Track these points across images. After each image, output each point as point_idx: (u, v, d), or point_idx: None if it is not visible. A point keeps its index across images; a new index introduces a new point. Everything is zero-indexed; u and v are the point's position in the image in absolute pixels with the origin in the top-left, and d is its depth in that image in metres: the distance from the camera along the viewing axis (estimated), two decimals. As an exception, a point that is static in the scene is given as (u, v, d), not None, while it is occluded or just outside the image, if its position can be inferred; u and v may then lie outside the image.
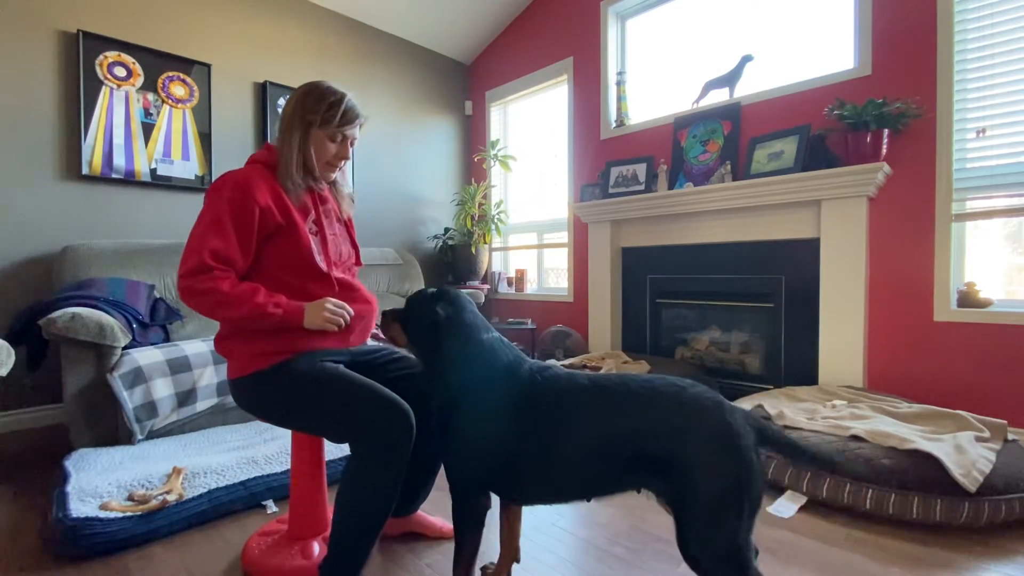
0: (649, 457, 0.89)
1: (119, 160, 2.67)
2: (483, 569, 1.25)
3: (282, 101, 3.28)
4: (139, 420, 1.87)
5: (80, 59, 2.55)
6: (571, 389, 0.97)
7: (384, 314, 1.20)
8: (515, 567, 1.28)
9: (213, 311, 1.11)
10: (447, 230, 4.12)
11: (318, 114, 1.21)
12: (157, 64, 2.79)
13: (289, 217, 1.19)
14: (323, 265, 1.23)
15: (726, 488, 0.84)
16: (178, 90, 2.87)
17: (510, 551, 1.22)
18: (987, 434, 1.69)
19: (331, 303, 1.19)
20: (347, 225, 1.41)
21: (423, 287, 1.23)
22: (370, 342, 1.41)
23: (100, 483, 1.53)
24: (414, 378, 1.35)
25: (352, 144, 1.29)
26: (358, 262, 1.42)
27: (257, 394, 1.18)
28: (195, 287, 1.08)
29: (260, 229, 1.16)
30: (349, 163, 1.36)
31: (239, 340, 1.18)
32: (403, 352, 1.41)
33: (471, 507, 1.05)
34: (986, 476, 1.44)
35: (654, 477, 0.90)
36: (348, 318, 1.21)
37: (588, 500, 1.01)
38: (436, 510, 1.59)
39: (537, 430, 0.96)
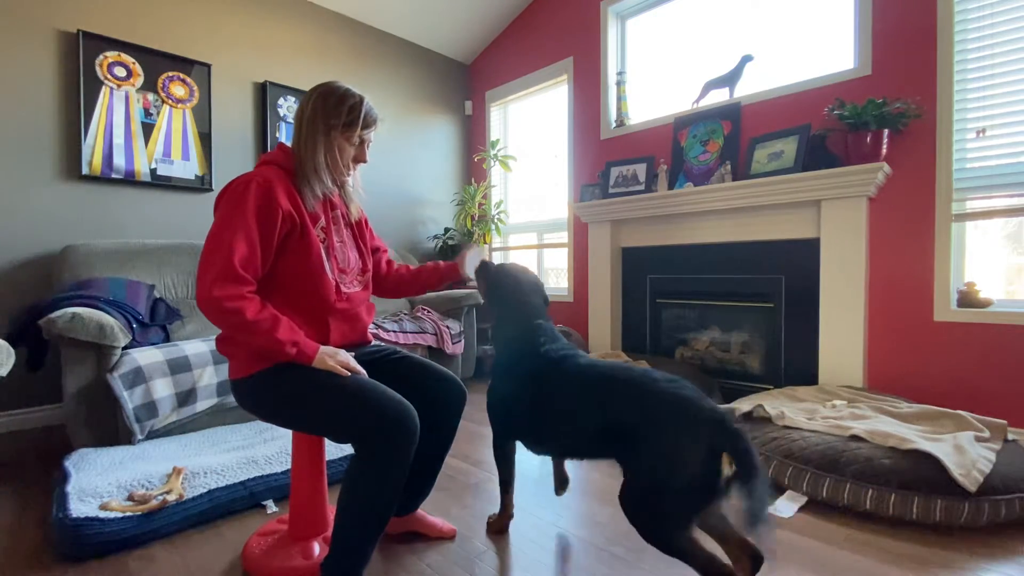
0: (617, 428, 1.10)
1: (119, 160, 2.67)
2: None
3: (282, 101, 3.28)
4: (139, 420, 1.87)
5: (80, 59, 2.54)
6: (577, 371, 1.24)
7: (483, 263, 1.50)
8: (514, 567, 1.29)
9: (233, 330, 1.09)
10: (447, 230, 4.12)
11: (340, 118, 1.20)
12: (157, 64, 2.79)
13: (303, 222, 1.18)
14: (331, 274, 1.23)
15: (664, 466, 1.01)
16: (178, 90, 2.87)
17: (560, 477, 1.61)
18: (987, 434, 1.69)
19: (342, 356, 1.17)
20: (356, 228, 1.39)
21: (510, 262, 1.50)
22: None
23: (100, 483, 1.53)
24: (419, 378, 1.35)
25: (368, 146, 1.29)
26: (365, 269, 1.38)
27: (259, 394, 1.17)
28: (224, 306, 1.03)
29: (279, 235, 1.14)
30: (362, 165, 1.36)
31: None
32: (406, 352, 1.42)
33: (499, 446, 1.44)
34: (986, 476, 1.44)
35: (619, 446, 1.10)
36: (352, 372, 1.17)
37: (581, 459, 1.40)
38: (436, 510, 1.59)
39: (547, 398, 1.26)
